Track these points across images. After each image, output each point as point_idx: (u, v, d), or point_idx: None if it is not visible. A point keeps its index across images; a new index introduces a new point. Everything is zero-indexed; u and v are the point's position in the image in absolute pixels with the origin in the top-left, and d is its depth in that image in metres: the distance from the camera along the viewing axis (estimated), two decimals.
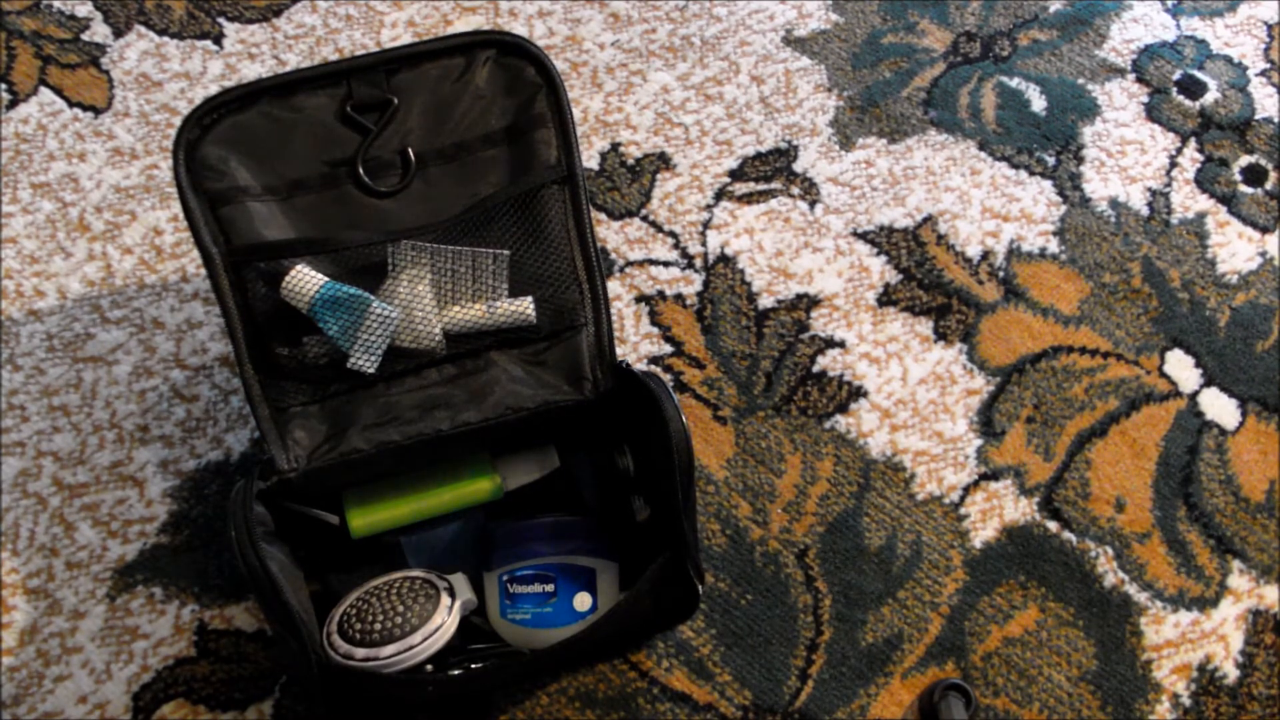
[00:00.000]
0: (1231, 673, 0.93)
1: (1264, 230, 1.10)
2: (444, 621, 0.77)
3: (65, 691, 0.87)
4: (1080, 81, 1.17)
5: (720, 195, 1.08)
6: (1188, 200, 1.11)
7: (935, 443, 0.99)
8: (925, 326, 1.04)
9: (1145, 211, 1.10)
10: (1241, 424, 1.02)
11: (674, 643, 0.91)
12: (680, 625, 0.91)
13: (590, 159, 1.09)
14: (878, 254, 1.07)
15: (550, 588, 0.82)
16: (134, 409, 0.96)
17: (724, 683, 0.90)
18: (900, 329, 1.03)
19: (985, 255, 1.07)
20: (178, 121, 1.07)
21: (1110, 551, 0.96)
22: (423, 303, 0.81)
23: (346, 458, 0.79)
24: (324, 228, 0.81)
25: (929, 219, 1.08)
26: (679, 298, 1.03)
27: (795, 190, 1.09)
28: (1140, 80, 1.17)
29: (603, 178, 1.08)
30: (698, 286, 1.04)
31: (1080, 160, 1.12)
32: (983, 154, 1.12)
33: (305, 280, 0.78)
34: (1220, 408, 1.02)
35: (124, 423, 0.96)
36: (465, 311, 0.82)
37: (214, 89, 1.10)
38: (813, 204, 1.08)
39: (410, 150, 0.82)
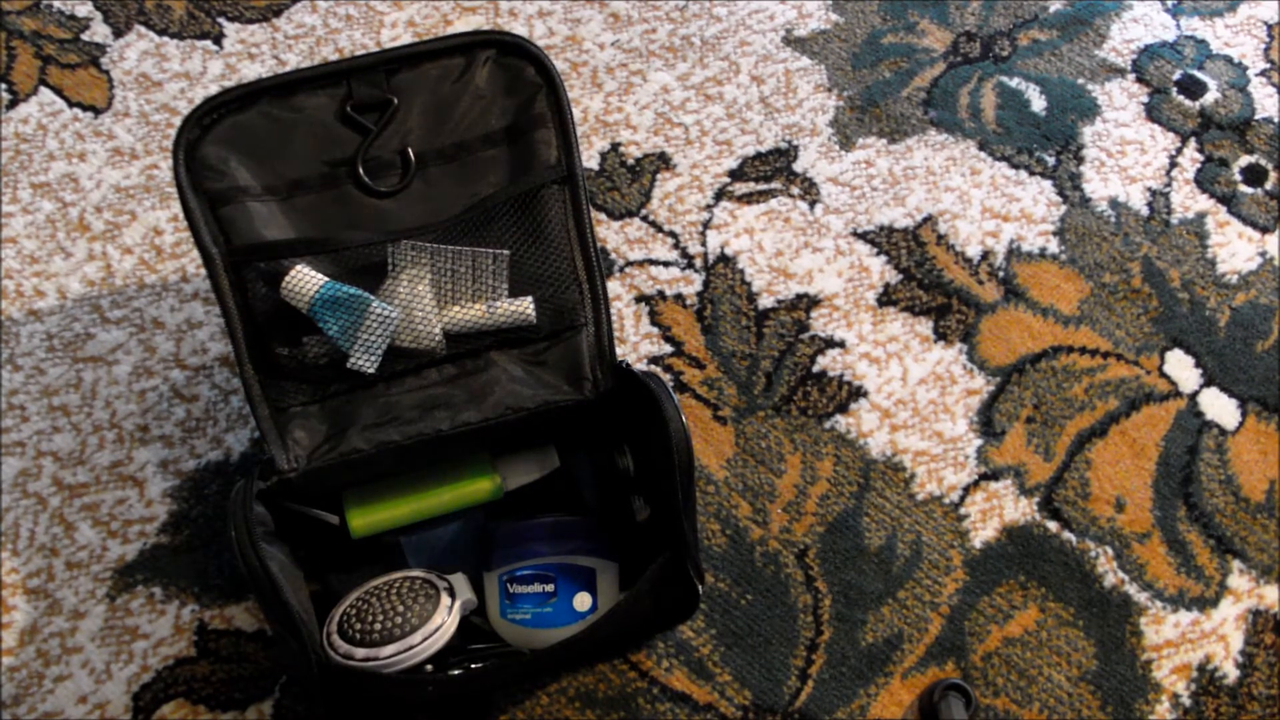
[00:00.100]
0: (1231, 673, 0.93)
1: (1264, 230, 1.10)
2: (444, 621, 0.77)
3: (65, 691, 0.87)
4: (1080, 81, 1.17)
5: (720, 195, 1.08)
6: (1188, 200, 1.11)
7: (935, 443, 0.99)
8: (925, 326, 1.04)
9: (1145, 211, 1.10)
10: (1241, 424, 1.02)
11: (674, 643, 0.91)
12: (680, 625, 0.91)
13: (590, 159, 1.09)
14: (878, 254, 1.07)
15: (550, 588, 0.82)
16: (134, 409, 0.96)
17: (724, 683, 0.90)
18: (900, 329, 1.03)
19: (985, 255, 1.07)
20: (178, 121, 1.07)
21: (1110, 551, 0.96)
22: (423, 303, 0.81)
23: (346, 458, 0.79)
24: (324, 228, 0.81)
25: (929, 219, 1.08)
26: (679, 298, 1.04)
27: (795, 190, 1.09)
28: (1140, 80, 1.17)
29: (603, 178, 1.08)
30: (698, 286, 1.04)
31: (1080, 160, 1.12)
32: (983, 154, 1.12)
33: (305, 280, 0.78)
34: (1220, 408, 1.02)
35: (124, 423, 0.96)
36: (465, 311, 0.82)
37: (214, 89, 1.10)
38: (813, 204, 1.08)
39: (410, 150, 0.82)
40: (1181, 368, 1.04)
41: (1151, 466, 0.99)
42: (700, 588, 0.80)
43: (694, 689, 0.90)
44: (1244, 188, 1.13)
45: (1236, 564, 0.96)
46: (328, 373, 0.81)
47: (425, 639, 0.76)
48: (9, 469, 0.94)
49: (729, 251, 1.06)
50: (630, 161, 1.09)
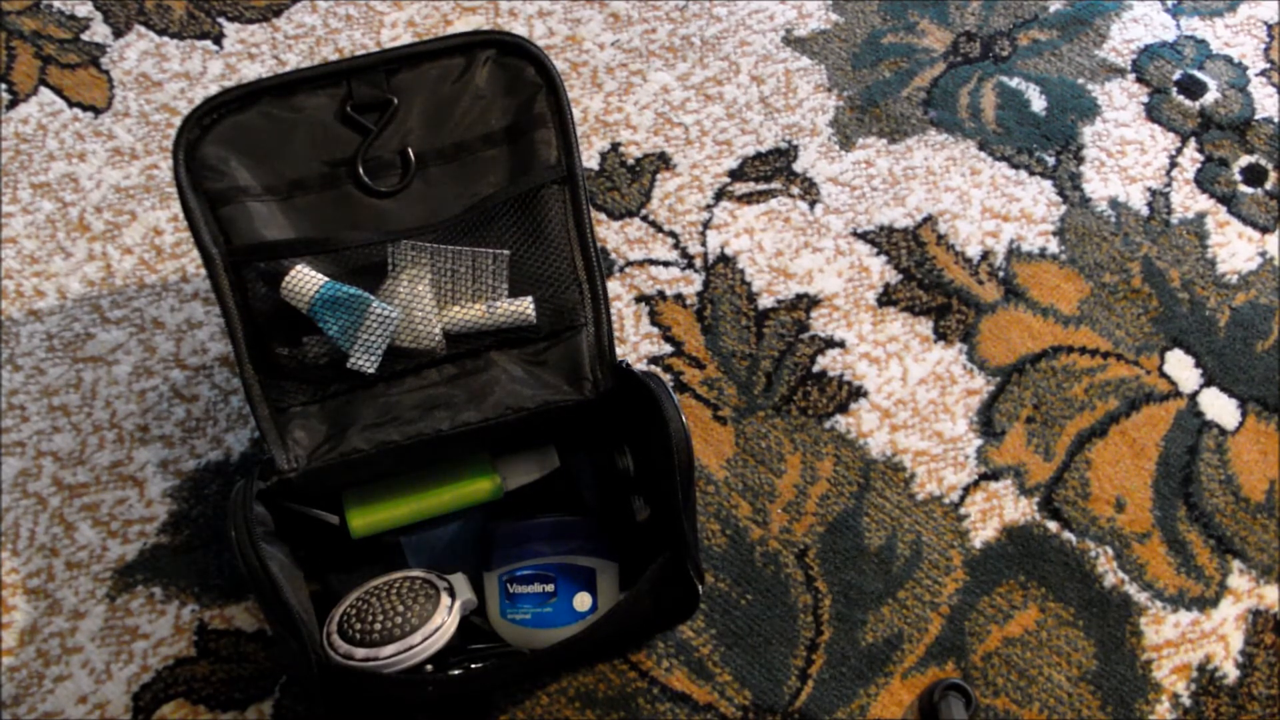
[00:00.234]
0: (1231, 673, 0.93)
1: (1264, 230, 1.10)
2: (444, 621, 0.77)
3: (65, 691, 0.87)
4: (1080, 81, 1.17)
5: (720, 195, 1.08)
6: (1188, 200, 1.11)
7: (935, 443, 0.99)
8: (925, 326, 1.04)
9: (1145, 211, 1.10)
10: (1241, 424, 1.02)
11: (674, 643, 0.91)
12: (680, 625, 0.91)
13: (590, 159, 1.09)
14: (878, 254, 1.07)
15: (550, 588, 0.82)
16: (134, 409, 0.96)
17: (724, 683, 0.90)
18: (900, 329, 1.03)
19: (985, 255, 1.07)
20: (178, 121, 1.07)
21: (1110, 551, 0.96)
22: (423, 303, 0.81)
23: (346, 458, 0.79)
24: (324, 228, 0.81)
25: (929, 219, 1.08)
26: (679, 298, 1.03)
27: (795, 190, 1.09)
28: (1140, 80, 1.17)
29: (603, 178, 1.08)
30: (698, 286, 1.04)
31: (1080, 160, 1.12)
32: (983, 154, 1.12)
33: (305, 280, 0.78)
34: (1220, 408, 1.02)
35: (124, 423, 0.96)
36: (465, 311, 0.82)
37: (214, 89, 1.10)
38: (813, 204, 1.08)
39: (410, 150, 0.82)
40: (1181, 368, 1.04)
41: (1151, 466, 0.99)
42: (700, 588, 0.80)
43: (694, 689, 0.90)
44: (1244, 188, 1.13)
45: (1236, 564, 0.96)
46: (328, 373, 0.81)
47: (425, 639, 0.76)
48: (9, 469, 0.94)
49: (729, 251, 1.06)
50: (630, 161, 1.09)
